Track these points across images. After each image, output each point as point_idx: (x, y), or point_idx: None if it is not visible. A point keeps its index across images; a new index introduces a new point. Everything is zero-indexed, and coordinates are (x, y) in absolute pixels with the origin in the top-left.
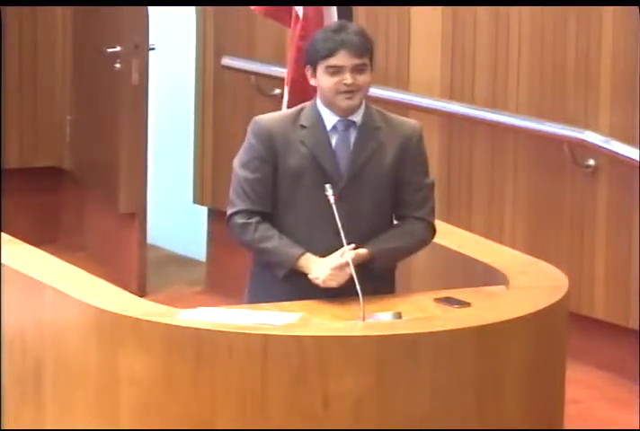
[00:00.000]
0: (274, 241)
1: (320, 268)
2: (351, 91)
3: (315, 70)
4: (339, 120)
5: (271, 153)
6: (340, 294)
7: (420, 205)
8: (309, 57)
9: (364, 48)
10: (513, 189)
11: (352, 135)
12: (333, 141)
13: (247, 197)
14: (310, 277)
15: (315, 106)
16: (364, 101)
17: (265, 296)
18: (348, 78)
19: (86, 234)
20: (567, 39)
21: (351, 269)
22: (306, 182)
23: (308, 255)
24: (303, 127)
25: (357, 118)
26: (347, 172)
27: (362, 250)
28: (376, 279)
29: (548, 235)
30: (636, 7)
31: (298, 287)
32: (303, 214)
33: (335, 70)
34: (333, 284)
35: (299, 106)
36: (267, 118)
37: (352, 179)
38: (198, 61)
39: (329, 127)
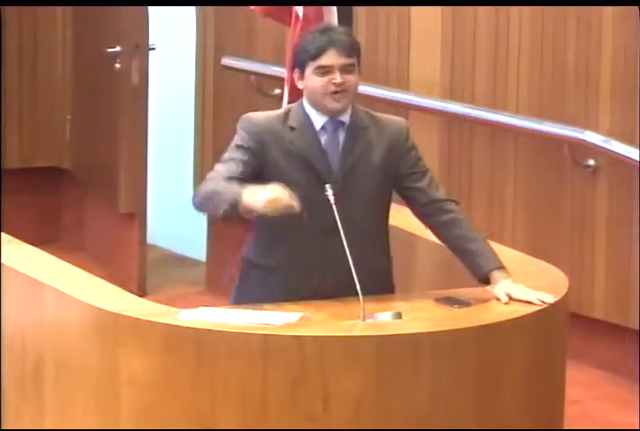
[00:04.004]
0: (223, 183)
1: (258, 195)
2: (340, 91)
3: (302, 72)
4: (328, 121)
5: (260, 149)
6: (330, 296)
7: (436, 186)
8: (298, 60)
9: (352, 48)
10: (513, 189)
11: (341, 135)
12: (323, 141)
13: (220, 172)
14: (247, 202)
15: (302, 107)
16: (351, 102)
17: (252, 298)
18: (337, 77)
19: (86, 234)
20: (567, 39)
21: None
22: (298, 184)
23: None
24: (292, 128)
25: (345, 118)
26: (339, 173)
27: (499, 275)
28: (375, 279)
29: (548, 235)
30: (636, 7)
31: (286, 290)
32: (296, 216)
33: (325, 70)
34: (269, 211)
35: (286, 107)
36: (258, 117)
37: (344, 179)
38: (198, 61)
39: (318, 127)
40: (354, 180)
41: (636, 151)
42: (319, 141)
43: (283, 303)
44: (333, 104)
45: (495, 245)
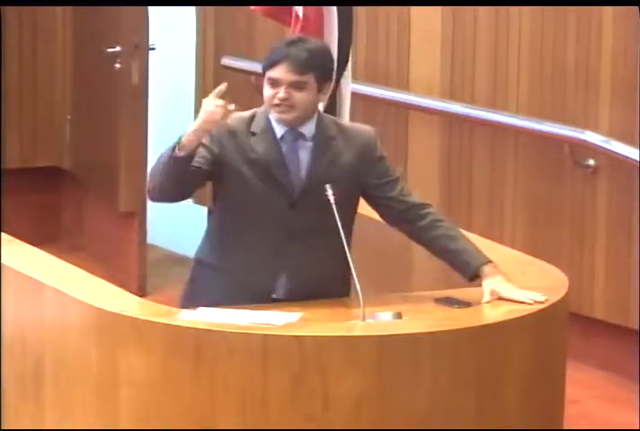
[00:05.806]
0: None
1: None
2: (282, 105)
3: (263, 78)
4: (287, 131)
5: (220, 152)
6: (287, 299)
7: (408, 192)
8: (262, 65)
9: (306, 66)
10: (513, 189)
11: (302, 146)
12: (283, 149)
13: None
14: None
15: (265, 113)
16: (317, 113)
17: (204, 299)
18: (281, 93)
19: (86, 234)
20: (567, 39)
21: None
22: (256, 190)
23: None
24: (253, 133)
25: (306, 130)
26: (302, 184)
27: (489, 270)
28: (336, 284)
29: (548, 235)
30: (636, 7)
31: (239, 291)
32: (250, 221)
33: (273, 82)
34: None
35: (252, 110)
36: None
37: (308, 190)
38: (198, 61)
39: (279, 135)
40: (319, 192)
41: (636, 151)
42: (280, 148)
43: (282, 303)
44: (277, 115)
45: (495, 245)
